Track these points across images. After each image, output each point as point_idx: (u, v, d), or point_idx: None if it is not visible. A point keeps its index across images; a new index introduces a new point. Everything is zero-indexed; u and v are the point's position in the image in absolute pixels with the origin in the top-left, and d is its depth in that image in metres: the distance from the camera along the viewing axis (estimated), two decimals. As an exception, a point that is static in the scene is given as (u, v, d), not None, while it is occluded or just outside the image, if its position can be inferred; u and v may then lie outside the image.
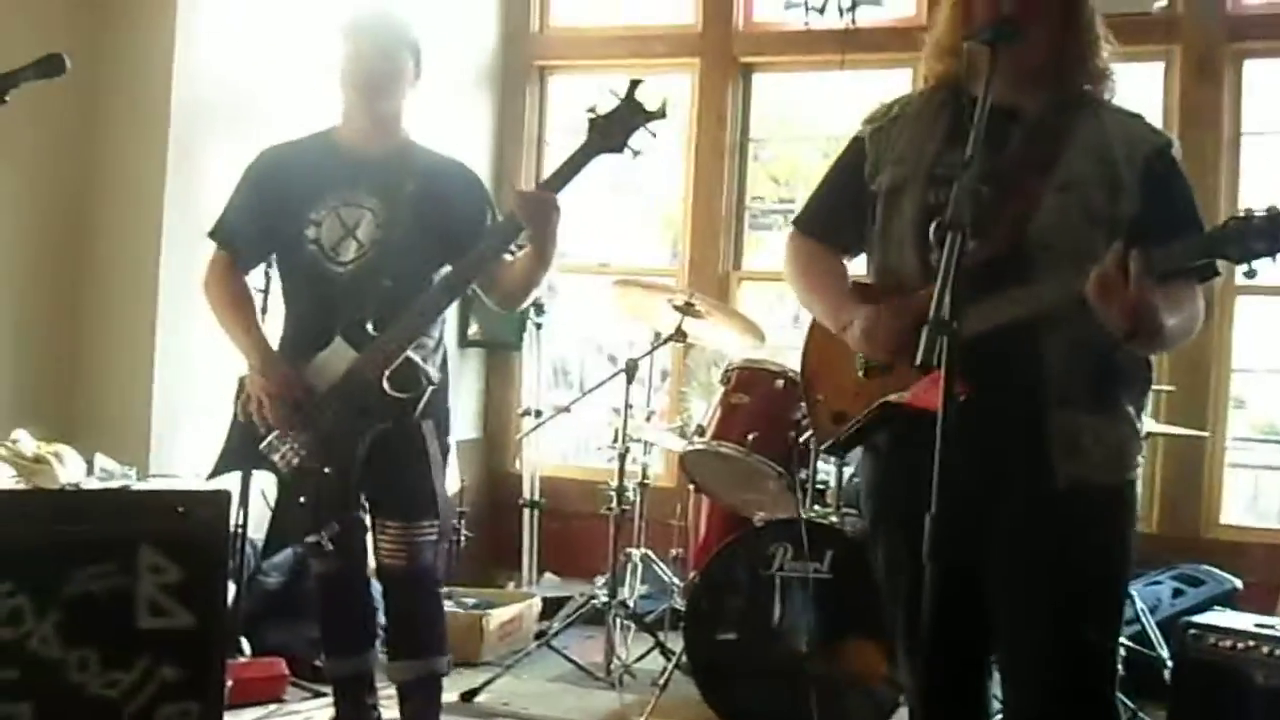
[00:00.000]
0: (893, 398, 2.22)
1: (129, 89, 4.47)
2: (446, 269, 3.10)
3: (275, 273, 3.39)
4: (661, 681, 3.98)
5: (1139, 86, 5.13)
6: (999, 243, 2.17)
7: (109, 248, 4.49)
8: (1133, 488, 2.30)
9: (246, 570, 4.17)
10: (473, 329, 5.93)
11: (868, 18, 5.54)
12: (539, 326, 5.84)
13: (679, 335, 4.23)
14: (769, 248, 6.52)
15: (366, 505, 3.18)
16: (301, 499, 3.08)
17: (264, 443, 3.09)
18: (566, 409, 4.89)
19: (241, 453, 3.20)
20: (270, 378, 3.06)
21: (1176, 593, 4.52)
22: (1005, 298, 2.13)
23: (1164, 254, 2.01)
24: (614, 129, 2.88)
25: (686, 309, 4.18)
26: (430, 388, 3.06)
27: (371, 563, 3.25)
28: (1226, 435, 5.29)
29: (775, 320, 6.08)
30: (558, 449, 6.26)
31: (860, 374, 2.29)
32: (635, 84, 2.90)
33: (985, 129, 2.02)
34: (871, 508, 2.46)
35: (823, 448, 2.54)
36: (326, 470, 3.04)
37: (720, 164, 5.83)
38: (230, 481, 3.37)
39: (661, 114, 2.91)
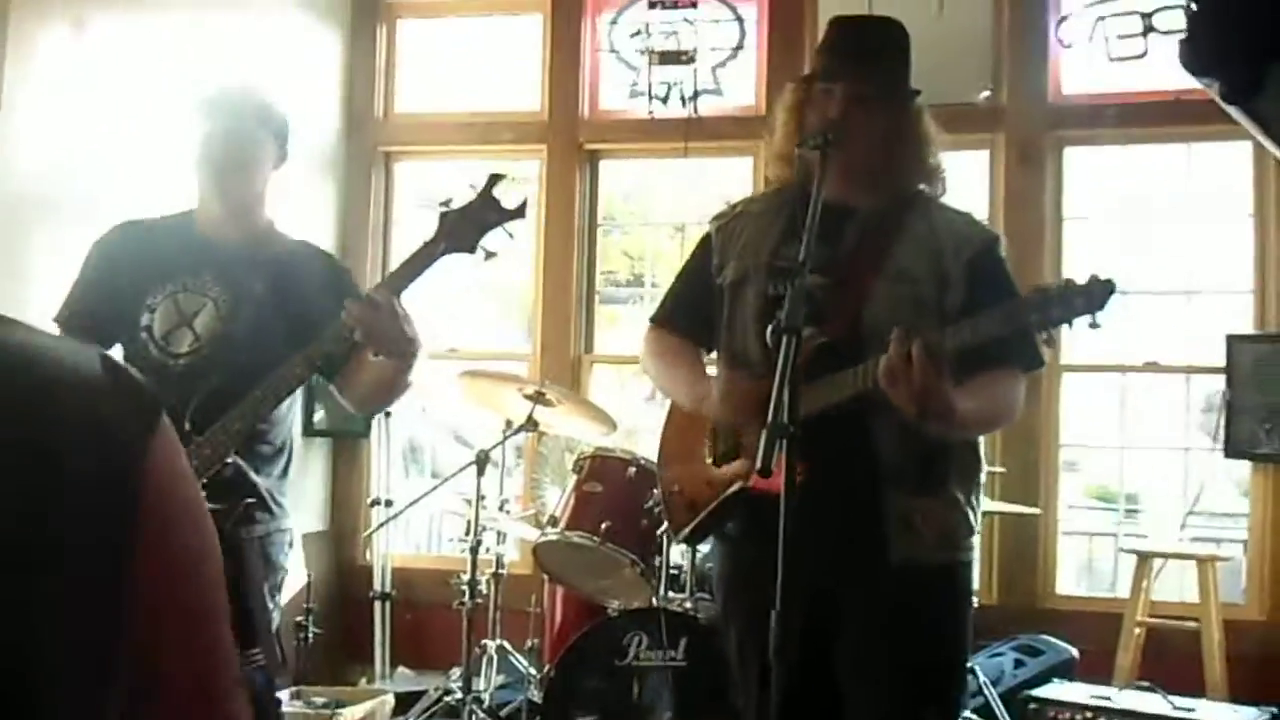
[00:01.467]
0: (738, 485, 2.29)
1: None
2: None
3: None
4: (519, 777, 3.93)
5: (965, 173, 5.36)
6: (836, 330, 2.29)
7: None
8: (966, 569, 2.41)
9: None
10: (318, 416, 5.82)
11: (709, 107, 5.70)
12: (388, 414, 5.75)
13: (530, 424, 4.22)
14: (621, 325, 6.59)
15: None
16: None
17: None
18: (416, 501, 4.83)
19: None
20: None
21: (1018, 663, 4.65)
22: (834, 380, 2.25)
23: (954, 331, 2.17)
24: (467, 227, 2.60)
25: (538, 398, 4.19)
26: (247, 501, 2.77)
27: None
28: (1059, 509, 5.50)
29: (626, 404, 6.15)
30: (409, 539, 6.18)
31: (710, 462, 2.36)
32: (495, 179, 2.65)
33: (823, 225, 2.12)
34: (722, 598, 2.54)
35: (679, 537, 2.57)
36: None
37: (570, 247, 5.87)
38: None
39: (520, 213, 2.64)
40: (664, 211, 6.44)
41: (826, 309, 2.29)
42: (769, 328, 2.10)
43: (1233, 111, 1.76)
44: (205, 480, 2.66)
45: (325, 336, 2.67)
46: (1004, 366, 2.34)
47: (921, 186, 2.48)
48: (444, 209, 2.64)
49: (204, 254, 2.89)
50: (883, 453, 2.29)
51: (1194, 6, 1.63)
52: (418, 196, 6.34)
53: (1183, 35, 1.67)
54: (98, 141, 4.57)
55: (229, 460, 2.69)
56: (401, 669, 5.58)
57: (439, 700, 4.56)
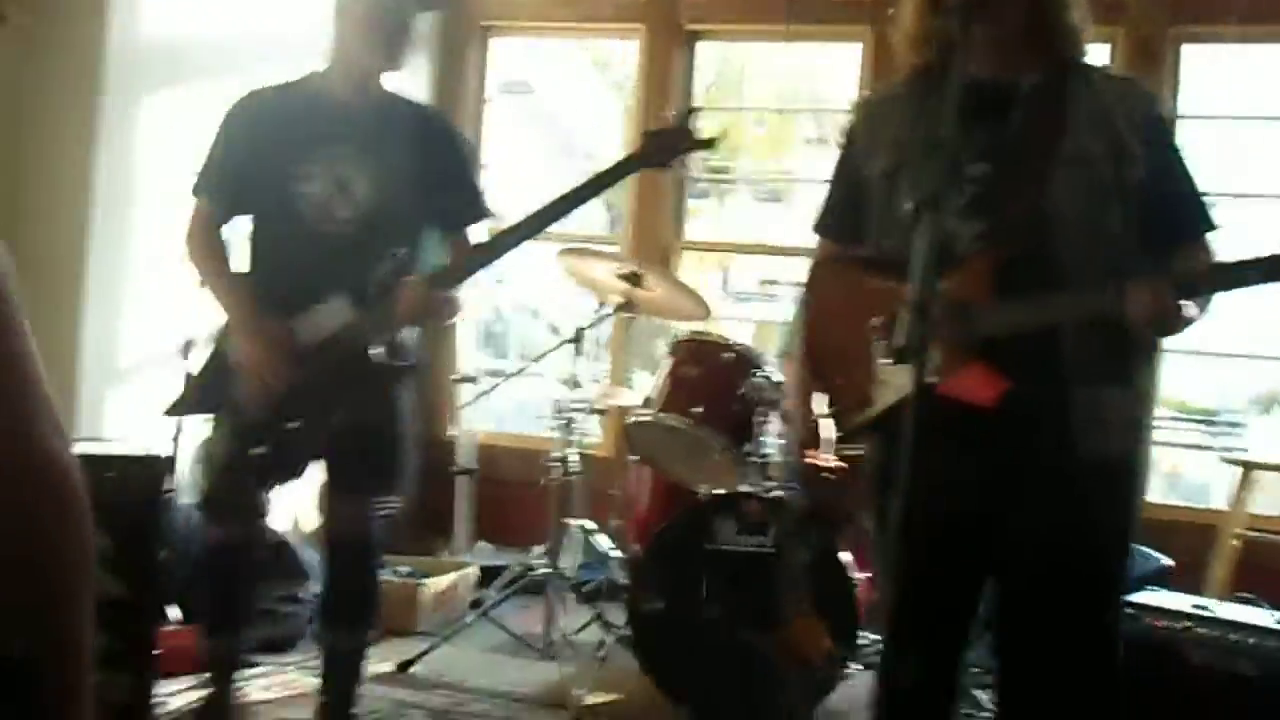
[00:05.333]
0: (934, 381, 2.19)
1: (61, 38, 4.29)
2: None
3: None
4: (601, 654, 3.95)
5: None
6: (1013, 226, 2.17)
7: (37, 200, 4.31)
8: (1146, 455, 2.33)
9: (174, 539, 4.05)
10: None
11: (816, -13, 5.51)
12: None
13: (626, 305, 4.17)
14: (708, 216, 6.50)
15: (320, 472, 3.10)
16: (259, 449, 2.97)
17: (236, 388, 3.00)
18: (509, 378, 4.83)
19: (201, 398, 3.10)
20: (256, 334, 2.95)
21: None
22: (1050, 302, 2.15)
23: (1212, 274, 2.08)
24: (664, 147, 2.97)
25: (633, 279, 4.13)
26: (412, 365, 3.05)
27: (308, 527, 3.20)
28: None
29: (713, 292, 6.08)
30: (490, 415, 6.19)
31: (887, 359, 2.20)
32: (692, 111, 3.02)
33: (983, 106, 2.02)
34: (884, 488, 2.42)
35: (845, 431, 2.46)
36: (290, 425, 2.95)
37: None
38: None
39: (712, 144, 3.06)
40: (761, 98, 6.29)
41: (1000, 200, 2.16)
42: (908, 204, 2.01)
43: None
44: (382, 342, 2.92)
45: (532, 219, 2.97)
46: (1198, 238, 2.24)
47: (1074, 55, 2.31)
48: (650, 132, 3.02)
49: (345, 122, 2.99)
50: (1067, 349, 2.17)
51: None
52: (512, 74, 6.24)
53: None
54: (211, 5, 4.53)
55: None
56: (481, 543, 5.62)
57: (522, 575, 4.59)
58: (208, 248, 3.07)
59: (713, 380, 3.99)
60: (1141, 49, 5.21)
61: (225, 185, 3.06)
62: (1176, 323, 2.08)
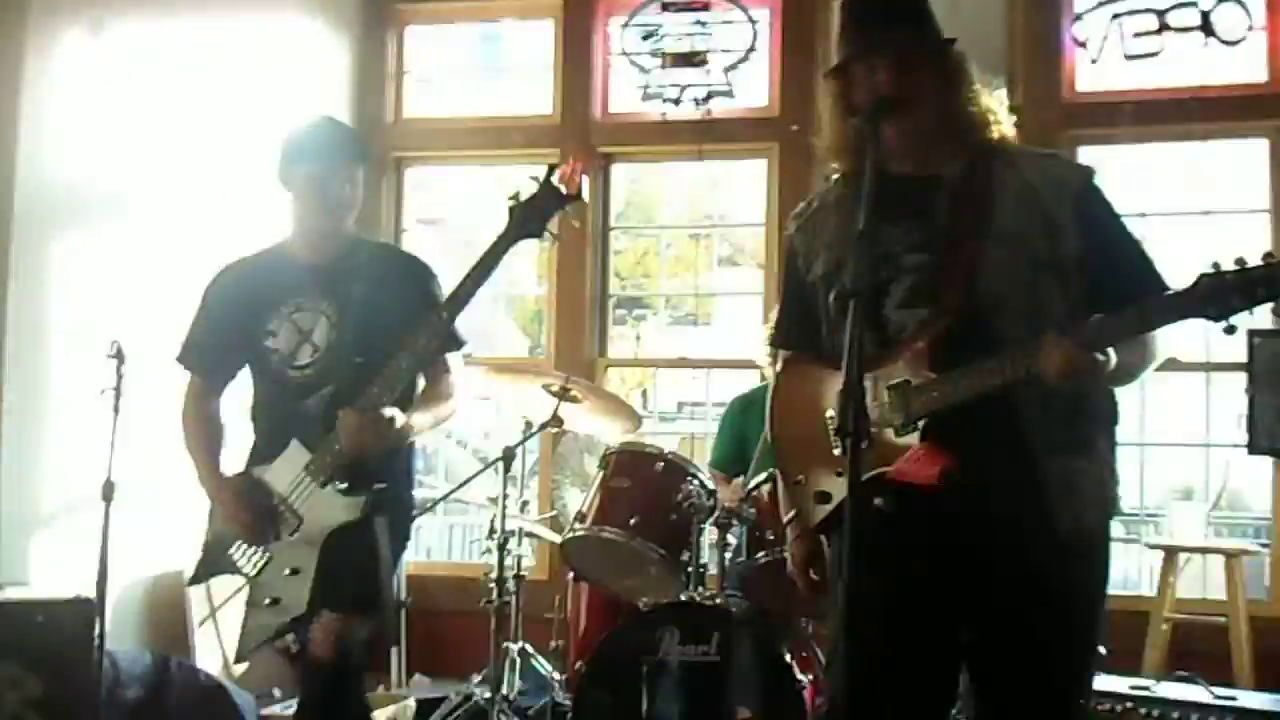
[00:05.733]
0: (883, 471, 2.20)
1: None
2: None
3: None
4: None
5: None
6: (952, 310, 2.22)
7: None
8: (1109, 529, 2.34)
9: (105, 683, 3.93)
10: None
11: (722, 108, 5.68)
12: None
13: (555, 421, 4.18)
14: (626, 339, 6.56)
15: None
16: (268, 600, 3.03)
17: (233, 549, 3.10)
18: (438, 502, 4.79)
19: (212, 561, 3.18)
20: (225, 500, 3.09)
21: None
22: (975, 372, 2.16)
23: (1121, 322, 2.06)
24: (534, 215, 2.88)
25: (562, 394, 4.15)
26: (379, 485, 3.01)
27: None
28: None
29: (638, 406, 6.10)
30: (417, 545, 6.12)
31: (838, 451, 2.23)
32: (552, 169, 2.91)
33: (910, 200, 2.08)
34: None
35: (812, 528, 2.45)
36: (288, 572, 3.01)
37: (583, 251, 5.84)
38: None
39: (578, 196, 2.92)
40: (677, 214, 6.42)
41: (937, 287, 2.23)
42: (832, 295, 2.06)
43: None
44: (333, 473, 2.97)
45: (421, 333, 2.93)
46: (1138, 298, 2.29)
47: (994, 139, 2.38)
48: (512, 202, 2.91)
49: (307, 275, 3.15)
50: (1028, 421, 2.20)
51: None
52: (429, 201, 6.32)
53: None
54: (118, 143, 4.56)
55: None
56: (418, 676, 5.50)
57: (461, 705, 4.49)
58: (192, 421, 3.23)
59: (646, 491, 4.00)
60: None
61: (206, 355, 3.24)
62: (1087, 375, 2.10)
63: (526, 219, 2.88)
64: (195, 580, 3.25)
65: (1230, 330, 1.96)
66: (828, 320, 2.39)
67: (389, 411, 2.90)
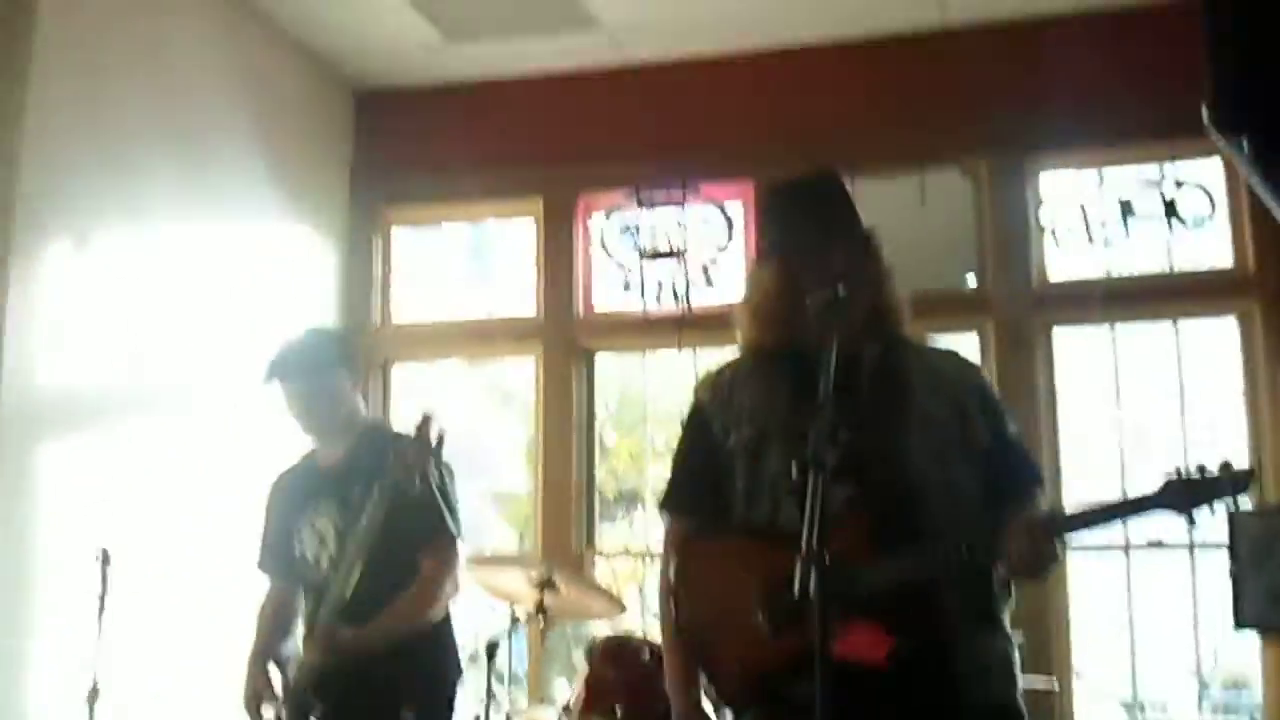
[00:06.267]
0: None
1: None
2: None
3: None
4: None
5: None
6: (879, 487, 2.27)
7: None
8: (1021, 699, 2.36)
9: None
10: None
11: (701, 301, 5.82)
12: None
13: (540, 611, 4.15)
14: (618, 533, 6.55)
15: None
16: None
17: None
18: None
19: None
20: (247, 681, 3.28)
21: None
22: (913, 558, 2.23)
23: (1083, 518, 2.21)
24: (410, 464, 3.02)
25: (546, 584, 4.13)
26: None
27: None
28: (1073, 689, 5.38)
29: (631, 601, 6.07)
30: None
31: (767, 627, 2.27)
32: (425, 422, 3.08)
33: (836, 378, 2.14)
34: None
35: (727, 705, 2.44)
36: None
37: (568, 444, 5.90)
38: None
39: (439, 449, 3.09)
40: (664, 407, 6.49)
41: (866, 464, 2.28)
42: (794, 466, 2.09)
43: (1255, 176, 1.80)
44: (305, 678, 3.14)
45: (347, 559, 3.13)
46: (1032, 493, 2.40)
47: (900, 330, 2.51)
48: (394, 459, 3.06)
49: (322, 482, 3.35)
50: (948, 601, 2.27)
51: (1219, 59, 1.65)
52: (416, 400, 6.39)
53: (1208, 96, 1.70)
54: (105, 349, 4.63)
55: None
56: None
57: None
58: (261, 613, 3.46)
59: (632, 680, 3.94)
60: (1011, 336, 5.53)
61: (275, 559, 3.46)
62: (1050, 565, 2.19)
63: (404, 471, 3.02)
64: None
65: (1192, 522, 2.13)
66: (748, 488, 2.41)
67: (332, 632, 3.07)
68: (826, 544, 1.94)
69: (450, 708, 3.33)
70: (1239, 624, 4.98)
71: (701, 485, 2.51)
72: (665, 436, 7.39)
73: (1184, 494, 2.11)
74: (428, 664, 3.25)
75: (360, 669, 3.07)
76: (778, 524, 2.35)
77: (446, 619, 3.34)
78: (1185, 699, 4.94)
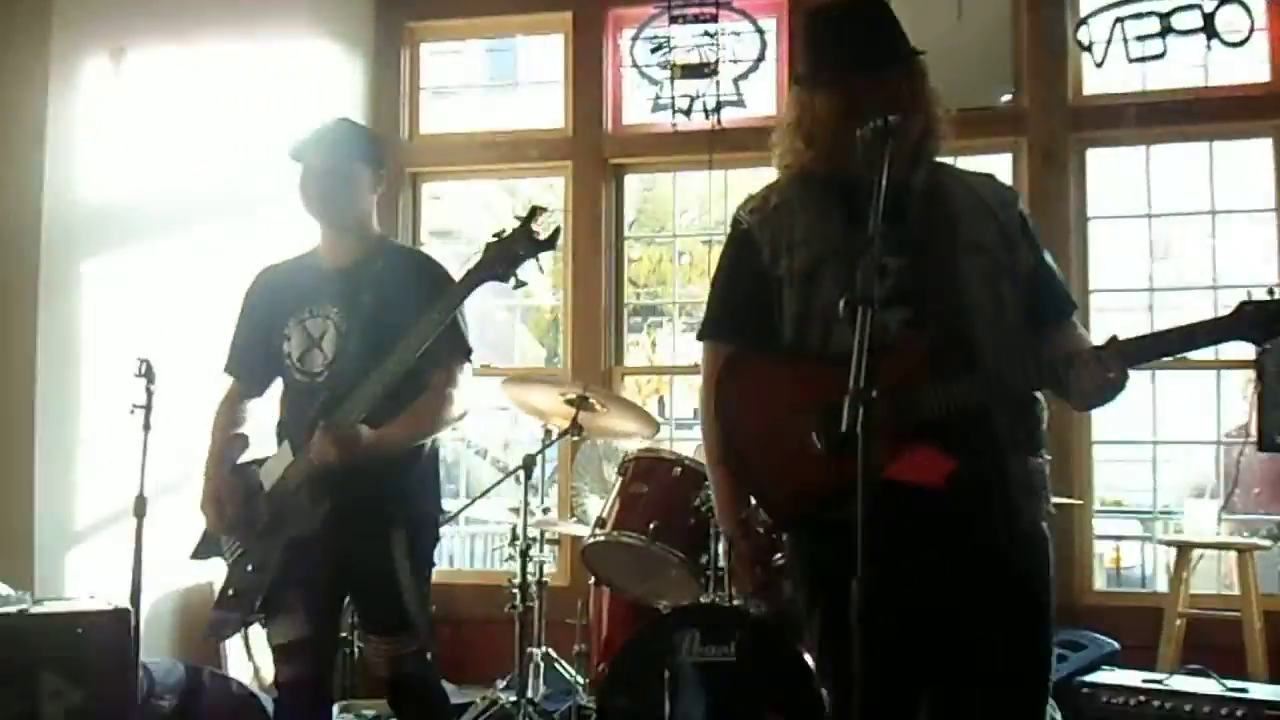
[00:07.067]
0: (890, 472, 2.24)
1: None
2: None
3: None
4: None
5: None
6: (936, 314, 2.31)
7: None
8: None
9: (140, 694, 4.03)
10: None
11: (732, 118, 5.76)
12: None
13: (574, 429, 4.26)
14: (641, 348, 6.63)
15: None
16: (230, 591, 3.13)
17: (226, 535, 3.19)
18: (459, 511, 4.88)
19: (210, 543, 3.27)
20: (207, 483, 3.18)
21: (1060, 658, 4.66)
22: (964, 382, 2.27)
23: (1157, 344, 2.23)
24: (505, 258, 2.89)
25: (580, 403, 4.23)
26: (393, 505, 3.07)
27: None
28: (1093, 506, 5.52)
29: (654, 413, 6.18)
30: (442, 553, 6.20)
31: (822, 449, 2.29)
32: (535, 211, 2.90)
33: (886, 206, 2.14)
34: (824, 581, 2.41)
35: (783, 526, 2.52)
36: (250, 567, 3.08)
37: (597, 261, 5.93)
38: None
39: (551, 245, 2.92)
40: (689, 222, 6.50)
41: (920, 290, 2.31)
42: (842, 301, 2.11)
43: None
44: (303, 482, 3.01)
45: (390, 359, 2.95)
46: (1070, 316, 2.48)
47: (938, 157, 2.50)
48: (493, 239, 2.92)
49: (323, 281, 3.19)
50: (999, 425, 2.32)
51: None
52: (445, 214, 6.41)
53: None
54: (142, 164, 4.67)
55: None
56: (444, 683, 5.57)
57: (487, 710, 4.57)
58: (218, 420, 3.30)
59: (664, 496, 4.08)
60: (1046, 156, 5.49)
61: (241, 360, 3.32)
62: (1119, 392, 2.24)
63: (497, 261, 2.90)
64: (194, 556, 3.31)
65: (1265, 351, 2.12)
66: (801, 316, 2.43)
67: (353, 430, 2.93)
68: (874, 378, 1.98)
69: (436, 539, 3.30)
70: (1264, 445, 5.06)
71: (748, 311, 2.51)
72: (692, 253, 7.44)
73: (1259, 320, 2.11)
74: (417, 491, 3.19)
75: (354, 485, 2.97)
76: (830, 349, 2.36)
77: (435, 451, 3.26)
78: (1205, 513, 5.05)
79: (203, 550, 3.30)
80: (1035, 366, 2.31)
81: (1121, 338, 2.23)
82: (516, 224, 2.91)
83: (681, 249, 7.31)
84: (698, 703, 3.74)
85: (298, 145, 3.18)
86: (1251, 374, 5.07)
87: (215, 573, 3.49)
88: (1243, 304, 2.14)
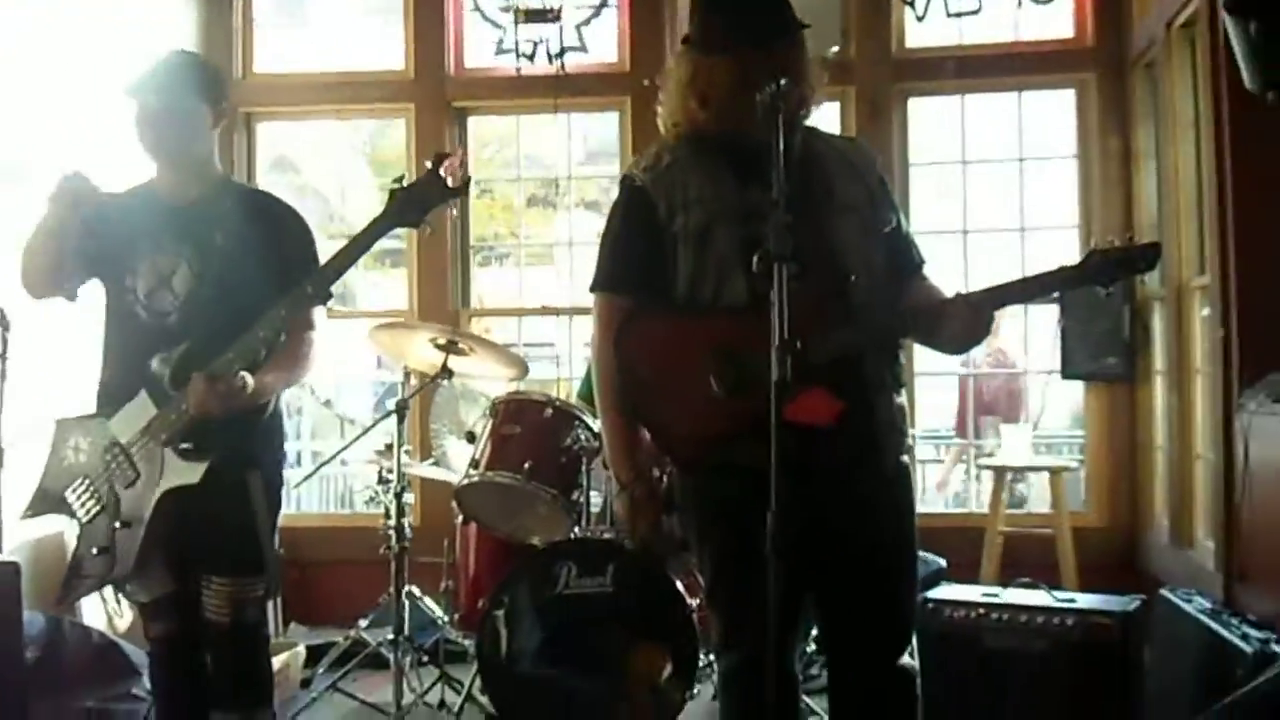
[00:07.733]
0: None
1: None
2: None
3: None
4: (457, 711, 4.07)
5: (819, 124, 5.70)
6: (817, 269, 2.46)
7: None
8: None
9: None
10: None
11: (575, 64, 5.86)
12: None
13: (445, 373, 4.34)
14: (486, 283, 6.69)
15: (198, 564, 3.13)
16: (94, 550, 3.04)
17: (69, 491, 3.10)
18: (335, 456, 4.91)
19: (47, 499, 3.16)
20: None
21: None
22: (846, 331, 2.50)
23: (1013, 291, 2.47)
24: (413, 204, 2.87)
25: (450, 347, 4.31)
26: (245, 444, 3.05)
27: None
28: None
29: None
30: (288, 498, 6.19)
31: (720, 392, 2.50)
32: (440, 159, 2.89)
33: (764, 166, 2.30)
34: (724, 520, 2.61)
35: (679, 469, 2.70)
36: (119, 524, 3.01)
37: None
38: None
39: (464, 191, 2.93)
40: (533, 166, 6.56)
41: (804, 246, 2.47)
42: (755, 257, 2.28)
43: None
44: (174, 435, 2.93)
45: (283, 305, 2.92)
46: (921, 269, 2.76)
47: (806, 121, 2.70)
48: (395, 186, 2.89)
49: (168, 217, 3.11)
50: (868, 367, 2.57)
51: None
52: (282, 154, 6.32)
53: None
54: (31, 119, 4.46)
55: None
56: (294, 625, 5.63)
57: (351, 649, 4.67)
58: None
59: (536, 435, 4.21)
60: (870, 106, 5.78)
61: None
62: (985, 337, 2.51)
63: (405, 208, 2.87)
64: (27, 515, 3.22)
65: (1109, 294, 2.42)
66: (696, 270, 2.60)
67: (240, 380, 2.90)
68: (790, 329, 2.17)
69: (282, 483, 3.30)
70: (1066, 374, 5.57)
71: (645, 265, 2.66)
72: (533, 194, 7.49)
73: (1105, 267, 2.38)
74: (268, 436, 3.19)
75: (226, 434, 2.95)
76: (722, 300, 2.57)
77: (278, 399, 3.22)
78: (1018, 439, 5.47)
79: (38, 507, 3.20)
80: (908, 316, 2.60)
81: (978, 289, 2.48)
82: (421, 171, 2.90)
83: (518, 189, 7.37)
84: (577, 630, 3.91)
85: (133, 83, 3.08)
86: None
87: (66, 524, 3.40)
88: (1091, 252, 2.40)
